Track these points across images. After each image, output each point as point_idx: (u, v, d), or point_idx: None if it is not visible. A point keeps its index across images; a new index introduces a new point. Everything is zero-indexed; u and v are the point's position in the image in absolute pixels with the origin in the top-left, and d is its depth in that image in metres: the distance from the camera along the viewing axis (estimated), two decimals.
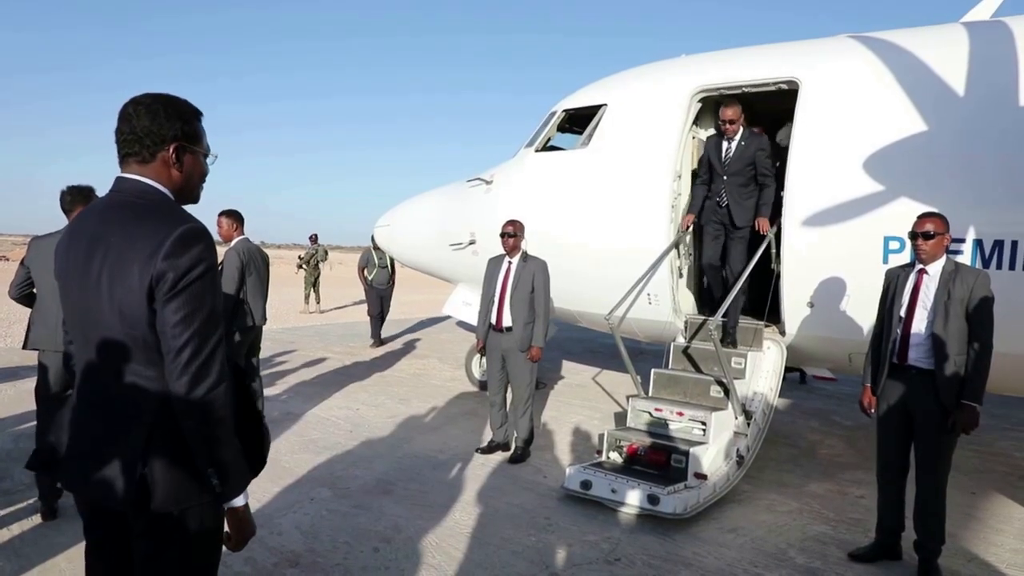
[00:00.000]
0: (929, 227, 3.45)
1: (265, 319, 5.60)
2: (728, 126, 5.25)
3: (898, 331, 3.54)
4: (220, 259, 5.47)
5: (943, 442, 3.42)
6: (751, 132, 5.33)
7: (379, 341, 10.78)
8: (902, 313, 3.54)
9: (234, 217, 5.53)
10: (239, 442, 1.64)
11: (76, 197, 3.80)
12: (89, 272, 1.59)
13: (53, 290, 3.72)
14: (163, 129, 1.64)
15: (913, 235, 3.51)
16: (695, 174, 5.73)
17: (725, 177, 5.29)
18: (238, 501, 1.64)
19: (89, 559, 1.76)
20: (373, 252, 10.80)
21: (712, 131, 5.72)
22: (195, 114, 1.73)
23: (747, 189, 5.30)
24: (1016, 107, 4.39)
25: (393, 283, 11.17)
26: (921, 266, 3.52)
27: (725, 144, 5.33)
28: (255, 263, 5.48)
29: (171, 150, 1.66)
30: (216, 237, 5.97)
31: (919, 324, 3.47)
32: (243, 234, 5.53)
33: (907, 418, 3.53)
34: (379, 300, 10.85)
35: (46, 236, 3.84)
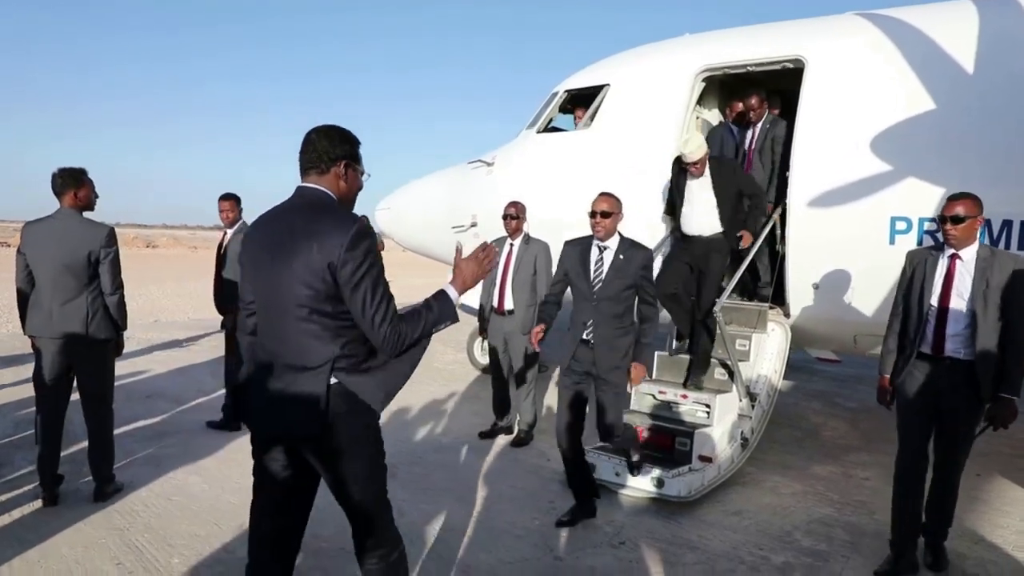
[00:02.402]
0: (959, 210, 3.13)
1: None
2: (600, 220, 3.69)
3: (930, 320, 3.29)
4: (224, 242, 5.39)
5: (969, 434, 3.29)
6: (631, 242, 3.81)
7: None
8: (933, 301, 3.27)
9: (235, 201, 5.43)
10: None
11: (67, 179, 3.77)
12: (281, 256, 2.07)
13: (48, 277, 3.71)
14: (336, 149, 2.18)
15: (942, 219, 3.19)
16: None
17: (594, 303, 3.76)
18: (454, 296, 2.27)
19: (259, 478, 2.27)
20: None
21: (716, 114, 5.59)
22: (357, 141, 2.26)
23: (623, 322, 3.78)
24: None
25: None
26: (953, 251, 3.23)
27: (595, 253, 3.78)
28: None
29: (342, 166, 2.19)
30: (216, 221, 5.80)
31: (956, 313, 3.22)
32: (240, 218, 5.43)
33: (935, 409, 3.32)
34: None
35: (38, 221, 3.79)
